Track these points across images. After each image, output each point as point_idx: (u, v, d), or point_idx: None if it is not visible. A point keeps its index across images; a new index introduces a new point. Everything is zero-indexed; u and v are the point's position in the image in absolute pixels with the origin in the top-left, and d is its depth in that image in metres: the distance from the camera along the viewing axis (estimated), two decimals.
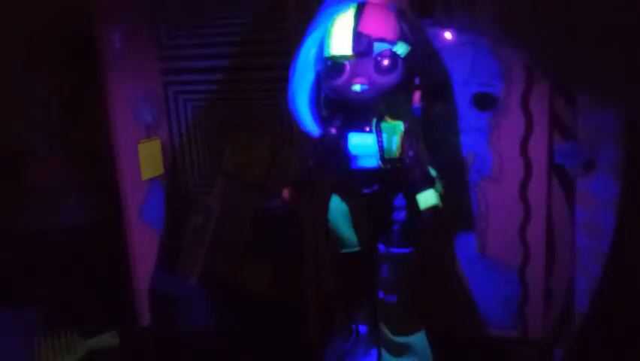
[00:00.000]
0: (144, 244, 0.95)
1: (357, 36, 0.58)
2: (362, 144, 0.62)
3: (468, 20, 0.73)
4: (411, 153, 0.62)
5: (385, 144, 0.61)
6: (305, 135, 0.67)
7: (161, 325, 0.95)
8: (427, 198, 0.61)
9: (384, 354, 0.72)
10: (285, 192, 0.70)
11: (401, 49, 0.59)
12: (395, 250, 0.67)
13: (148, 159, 0.93)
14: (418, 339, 0.70)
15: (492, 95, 0.74)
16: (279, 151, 0.90)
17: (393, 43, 0.58)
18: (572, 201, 0.73)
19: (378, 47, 0.58)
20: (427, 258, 0.71)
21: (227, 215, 0.96)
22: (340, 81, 0.60)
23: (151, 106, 0.94)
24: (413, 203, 0.63)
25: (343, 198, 0.69)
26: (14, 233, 1.11)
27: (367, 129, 0.62)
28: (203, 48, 0.93)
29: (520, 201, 0.76)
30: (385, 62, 0.59)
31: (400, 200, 0.66)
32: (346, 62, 0.59)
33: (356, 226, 0.69)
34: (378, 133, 0.61)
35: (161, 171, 0.97)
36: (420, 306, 0.70)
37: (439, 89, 0.73)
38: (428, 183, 0.62)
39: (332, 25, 0.60)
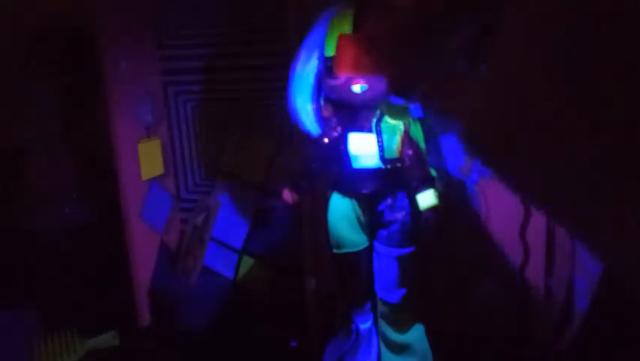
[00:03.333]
0: (144, 244, 0.95)
1: None
2: (362, 144, 0.62)
3: None
4: (410, 153, 0.62)
5: (385, 144, 0.61)
6: (305, 136, 0.67)
7: (161, 325, 0.94)
8: (427, 198, 0.61)
9: (384, 353, 0.72)
10: (286, 193, 0.70)
11: None
12: (395, 250, 0.67)
13: (148, 159, 0.93)
14: (418, 338, 0.70)
15: None
16: (279, 151, 0.90)
17: None
18: None
19: None
20: (427, 257, 0.71)
21: (227, 215, 0.96)
22: (340, 81, 0.60)
23: (151, 106, 0.94)
24: (413, 203, 0.63)
25: (343, 198, 0.69)
26: (14, 233, 1.11)
27: (367, 129, 0.62)
28: (203, 48, 0.93)
29: (520, 202, 0.76)
30: None
31: (399, 200, 0.66)
32: None
33: (356, 225, 0.69)
34: (378, 133, 0.61)
35: (161, 171, 0.97)
36: (419, 305, 0.70)
37: None
38: (428, 183, 0.62)
39: (332, 26, 0.60)
